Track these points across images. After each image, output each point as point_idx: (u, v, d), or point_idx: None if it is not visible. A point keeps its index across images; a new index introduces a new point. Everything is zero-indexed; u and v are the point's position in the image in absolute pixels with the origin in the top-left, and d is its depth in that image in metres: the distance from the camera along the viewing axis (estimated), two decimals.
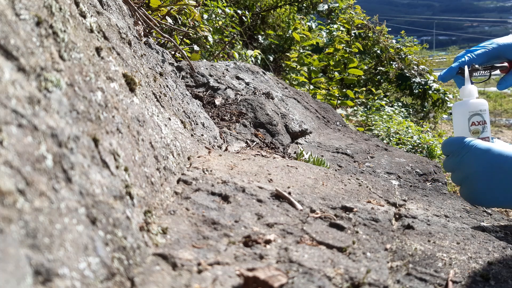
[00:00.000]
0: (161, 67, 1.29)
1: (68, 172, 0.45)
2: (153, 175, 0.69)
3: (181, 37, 2.38)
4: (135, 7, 1.42)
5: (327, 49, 4.89)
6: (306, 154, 1.39)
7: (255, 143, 1.44)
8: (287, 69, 4.84)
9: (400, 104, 5.72)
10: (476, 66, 0.92)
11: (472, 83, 0.92)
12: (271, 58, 5.70)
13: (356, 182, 1.04)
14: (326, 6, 6.42)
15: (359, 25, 5.78)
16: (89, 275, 0.41)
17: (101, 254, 0.44)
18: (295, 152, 1.50)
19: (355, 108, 4.97)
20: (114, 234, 0.49)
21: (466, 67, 0.91)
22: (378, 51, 6.11)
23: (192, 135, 1.10)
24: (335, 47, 4.57)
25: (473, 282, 0.62)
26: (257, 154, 1.27)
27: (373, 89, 5.42)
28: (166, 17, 1.88)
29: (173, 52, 2.02)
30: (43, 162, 0.42)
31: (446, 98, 5.87)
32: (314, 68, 4.49)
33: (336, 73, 4.68)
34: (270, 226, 0.68)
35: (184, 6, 1.90)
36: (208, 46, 3.53)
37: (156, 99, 0.95)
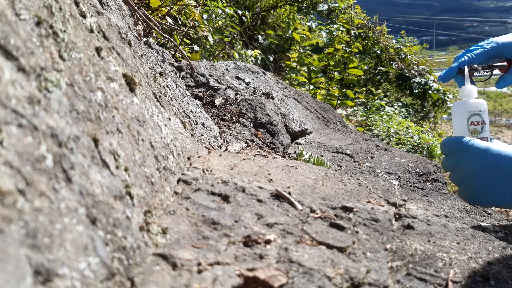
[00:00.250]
0: (161, 67, 1.29)
1: (68, 172, 0.45)
2: (153, 175, 0.69)
3: (181, 37, 2.38)
4: (135, 7, 1.42)
5: (327, 49, 4.89)
6: (306, 154, 1.39)
7: (255, 143, 1.44)
8: (287, 69, 4.84)
9: (400, 104, 5.72)
10: (475, 66, 0.92)
11: (472, 82, 0.92)
12: (271, 58, 5.71)
13: (356, 182, 1.04)
14: (326, 6, 6.42)
15: (359, 25, 5.78)
16: (89, 275, 0.41)
17: (101, 254, 0.44)
18: (295, 152, 1.50)
19: (355, 108, 4.97)
20: (114, 234, 0.49)
21: (466, 67, 0.91)
22: (378, 51, 6.11)
23: (192, 135, 1.10)
24: (335, 47, 4.57)
25: (473, 282, 0.62)
26: (257, 154, 1.27)
27: (373, 89, 5.42)
28: (166, 17, 1.88)
29: (173, 52, 2.02)
30: (43, 162, 0.42)
31: (446, 98, 5.88)
32: (314, 68, 4.49)
33: (336, 73, 4.68)
34: (270, 226, 0.68)
35: (184, 6, 1.90)
36: (208, 46, 3.53)
37: (156, 99, 0.95)
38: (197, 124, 1.23)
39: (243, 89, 1.92)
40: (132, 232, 0.53)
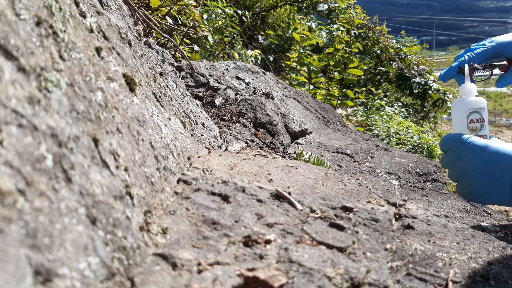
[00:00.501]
0: (161, 67, 1.29)
1: (68, 172, 0.45)
2: (153, 175, 0.69)
3: (181, 37, 2.38)
4: (135, 7, 1.42)
5: (327, 49, 4.89)
6: (306, 154, 1.39)
7: (255, 143, 1.44)
8: (287, 69, 4.84)
9: (400, 104, 5.72)
10: (475, 65, 0.92)
11: (472, 81, 0.92)
12: (271, 58, 5.70)
13: (356, 182, 1.04)
14: (326, 6, 6.42)
15: (359, 25, 5.78)
16: (89, 275, 0.41)
17: (101, 254, 0.44)
18: (295, 152, 1.50)
19: (355, 108, 4.97)
20: (114, 234, 0.49)
21: (466, 65, 0.91)
22: (378, 51, 6.11)
23: (192, 135, 1.10)
24: (335, 47, 4.57)
25: (473, 282, 0.62)
26: (257, 154, 1.27)
27: (373, 89, 5.42)
28: (166, 17, 1.88)
29: (173, 52, 2.02)
30: (43, 162, 0.42)
31: (446, 98, 5.88)
32: (314, 68, 4.49)
33: (336, 73, 4.67)
34: (270, 226, 0.68)
35: (184, 6, 1.90)
36: (208, 46, 3.53)
37: (156, 99, 0.95)
38: (197, 124, 1.23)
39: (243, 89, 1.92)
40: (132, 232, 0.53)
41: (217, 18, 3.84)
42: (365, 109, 4.88)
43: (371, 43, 6.08)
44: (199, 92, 1.76)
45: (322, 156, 1.51)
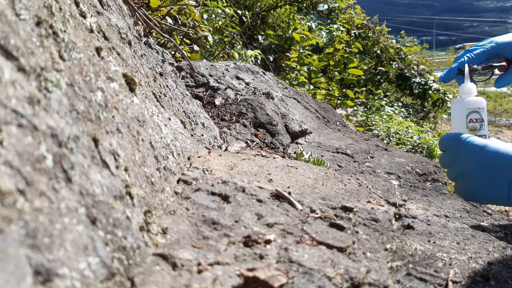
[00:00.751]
0: (161, 67, 1.29)
1: (68, 172, 0.45)
2: (153, 175, 0.69)
3: (181, 37, 2.38)
4: (135, 7, 1.42)
5: (327, 49, 4.89)
6: (306, 154, 1.39)
7: (255, 143, 1.44)
8: (287, 69, 4.84)
9: (400, 104, 5.72)
10: (475, 66, 0.92)
11: (472, 81, 0.92)
12: (271, 58, 5.70)
13: (356, 182, 1.04)
14: (326, 6, 6.42)
15: (359, 25, 5.78)
16: (89, 275, 0.41)
17: (101, 254, 0.44)
18: (295, 152, 1.50)
19: (355, 108, 4.97)
20: (114, 234, 0.49)
21: (466, 65, 0.92)
22: (378, 51, 6.11)
23: (192, 135, 1.10)
24: (335, 47, 4.57)
25: (473, 282, 0.62)
26: (257, 154, 1.27)
27: (373, 89, 5.42)
28: (166, 17, 1.88)
29: (173, 52, 2.02)
30: (43, 162, 0.42)
31: (446, 98, 5.87)
32: (314, 68, 4.49)
33: (336, 73, 4.67)
34: (270, 226, 0.68)
35: (184, 6, 1.90)
36: (208, 46, 3.53)
37: (156, 99, 0.95)
38: (197, 124, 1.23)
39: (243, 89, 1.92)
40: (132, 232, 0.53)
41: (217, 18, 3.84)
42: (365, 109, 4.88)
43: (371, 43, 6.08)
44: (199, 92, 1.76)
45: (322, 156, 1.51)
